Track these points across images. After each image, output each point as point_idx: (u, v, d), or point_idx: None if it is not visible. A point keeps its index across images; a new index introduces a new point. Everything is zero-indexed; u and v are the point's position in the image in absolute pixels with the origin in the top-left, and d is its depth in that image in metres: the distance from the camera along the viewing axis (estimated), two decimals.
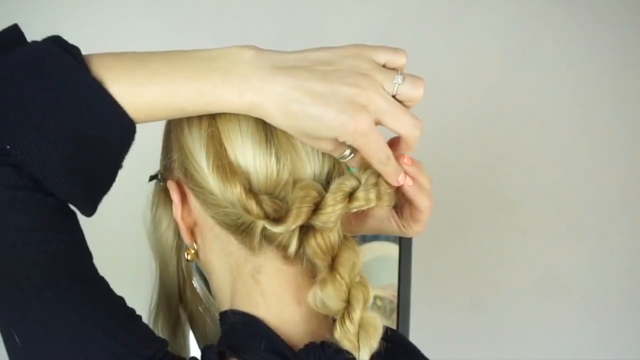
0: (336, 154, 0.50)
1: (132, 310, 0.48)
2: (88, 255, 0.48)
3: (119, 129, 0.45)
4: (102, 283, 0.47)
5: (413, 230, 0.57)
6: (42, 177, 0.43)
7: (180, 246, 0.58)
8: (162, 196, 0.57)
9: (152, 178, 0.59)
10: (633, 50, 1.44)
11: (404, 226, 0.58)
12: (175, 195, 0.54)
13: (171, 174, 0.55)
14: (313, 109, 0.45)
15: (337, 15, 1.31)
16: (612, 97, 1.43)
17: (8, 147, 0.42)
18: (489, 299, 1.38)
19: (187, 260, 0.57)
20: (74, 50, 0.45)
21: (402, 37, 1.34)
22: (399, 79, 0.47)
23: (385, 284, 1.28)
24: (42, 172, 0.42)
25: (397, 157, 0.51)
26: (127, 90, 0.45)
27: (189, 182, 0.52)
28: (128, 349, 0.45)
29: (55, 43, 0.45)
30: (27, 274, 0.43)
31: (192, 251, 0.55)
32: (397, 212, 0.58)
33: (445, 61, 1.37)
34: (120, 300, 0.48)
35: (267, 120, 0.47)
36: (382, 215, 0.59)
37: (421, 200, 0.54)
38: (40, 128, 0.42)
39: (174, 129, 0.54)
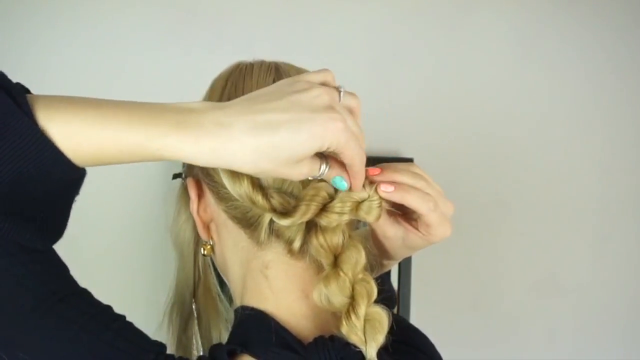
0: (314, 173, 0.48)
1: (123, 317, 0.48)
2: (65, 269, 0.47)
3: (62, 176, 0.43)
4: (87, 295, 0.47)
5: (435, 236, 0.55)
6: None
7: (197, 242, 0.61)
8: (184, 193, 0.60)
9: (175, 176, 0.61)
10: (634, 49, 1.45)
11: (424, 234, 0.56)
12: (192, 191, 0.56)
13: (192, 172, 0.58)
14: (284, 128, 0.43)
15: (337, 15, 1.32)
16: (613, 97, 1.44)
17: None
18: (489, 299, 1.39)
19: (204, 255, 0.58)
20: (15, 92, 0.42)
21: (403, 37, 1.35)
22: (342, 89, 0.48)
23: None
24: None
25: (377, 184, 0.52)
26: (74, 133, 0.42)
27: (205, 177, 0.55)
28: (129, 355, 0.45)
29: None
30: (12, 300, 0.43)
31: (208, 246, 0.58)
32: (413, 223, 0.58)
33: (445, 61, 1.37)
34: (109, 308, 0.47)
35: (234, 165, 0.44)
36: (399, 235, 0.57)
37: (415, 202, 0.52)
38: None
39: None
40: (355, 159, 0.47)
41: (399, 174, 0.52)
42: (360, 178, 0.49)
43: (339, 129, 0.44)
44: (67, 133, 0.42)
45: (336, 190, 0.51)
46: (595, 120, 1.44)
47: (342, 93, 0.48)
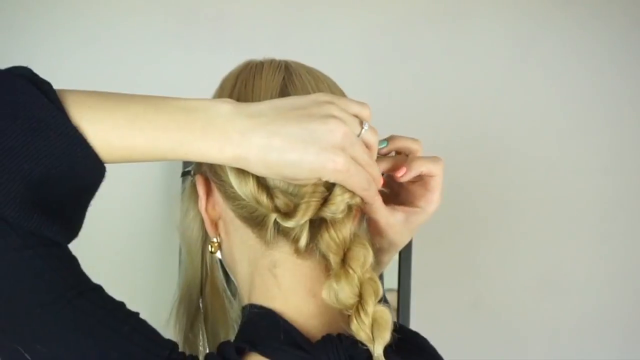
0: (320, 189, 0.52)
1: (137, 313, 0.49)
2: (79, 265, 0.48)
3: (90, 173, 0.45)
4: (102, 290, 0.48)
5: (434, 202, 0.59)
6: (15, 218, 0.42)
7: (205, 239, 0.61)
8: (192, 190, 0.60)
9: (184, 174, 0.62)
10: (633, 50, 1.46)
11: (423, 207, 0.59)
12: (201, 189, 0.57)
13: (200, 169, 0.58)
14: (292, 155, 0.46)
15: (336, 17, 1.32)
16: (613, 98, 1.45)
17: None
18: (489, 299, 1.39)
19: (211, 253, 0.59)
20: (46, 87, 0.44)
21: (402, 37, 1.35)
22: (366, 125, 0.51)
23: (385, 285, 1.29)
24: (14, 213, 0.42)
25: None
26: (107, 133, 0.44)
27: (212, 175, 0.55)
28: (145, 350, 0.46)
29: (27, 79, 0.44)
30: (30, 293, 0.44)
31: (216, 244, 0.58)
32: (407, 203, 0.60)
33: (444, 62, 1.38)
34: (124, 305, 0.49)
35: (250, 171, 0.48)
36: (400, 220, 0.60)
37: (430, 168, 0.57)
38: (14, 172, 0.41)
39: None
40: (355, 189, 0.51)
41: (409, 141, 0.59)
42: (368, 197, 0.53)
43: (337, 170, 0.47)
44: (99, 133, 0.44)
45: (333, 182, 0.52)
46: (596, 120, 1.45)
47: (366, 126, 0.51)
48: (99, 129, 0.44)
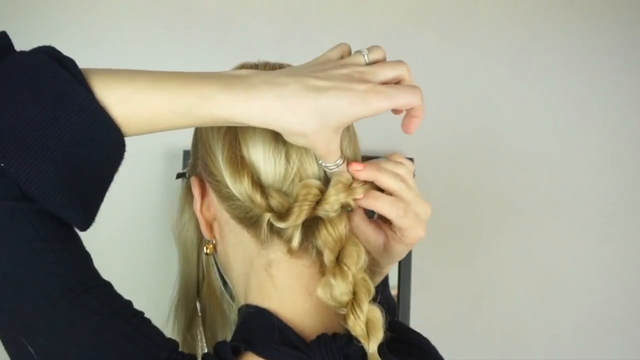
0: (335, 157, 0.51)
1: (142, 313, 0.49)
2: (91, 261, 0.48)
3: (114, 150, 0.45)
4: (110, 287, 0.48)
5: (408, 238, 0.56)
6: (39, 196, 0.42)
7: (201, 241, 0.61)
8: (187, 192, 0.60)
9: (179, 176, 0.62)
10: (633, 51, 1.46)
11: (400, 237, 0.56)
12: (195, 190, 0.57)
13: (195, 171, 0.58)
14: (331, 91, 0.46)
15: (337, 17, 1.33)
16: (612, 98, 1.45)
17: (2, 164, 0.41)
18: (489, 299, 1.40)
19: (207, 254, 0.59)
20: (69, 63, 0.44)
21: (402, 37, 1.35)
22: (365, 50, 0.51)
23: None
24: (38, 191, 0.42)
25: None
26: (129, 98, 0.44)
27: (208, 176, 0.56)
28: (146, 352, 0.46)
29: (50, 55, 0.44)
30: (39, 285, 0.44)
31: (211, 245, 0.58)
32: (390, 226, 0.59)
33: (444, 63, 1.38)
34: (130, 303, 0.49)
35: (281, 124, 0.46)
36: (379, 241, 0.58)
37: (384, 209, 0.53)
38: (38, 148, 0.41)
39: (200, 128, 0.57)
40: (414, 102, 0.50)
41: (381, 175, 0.53)
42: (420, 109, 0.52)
43: (378, 99, 0.47)
44: (123, 98, 0.44)
45: (326, 184, 0.52)
46: (596, 121, 1.45)
47: (365, 51, 0.51)
48: (122, 95, 0.44)
